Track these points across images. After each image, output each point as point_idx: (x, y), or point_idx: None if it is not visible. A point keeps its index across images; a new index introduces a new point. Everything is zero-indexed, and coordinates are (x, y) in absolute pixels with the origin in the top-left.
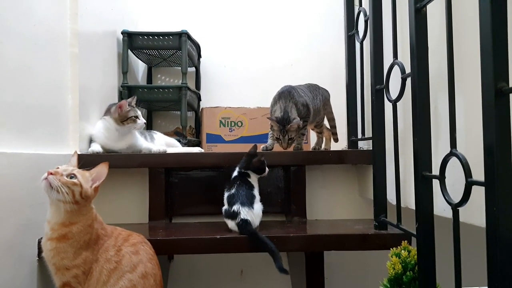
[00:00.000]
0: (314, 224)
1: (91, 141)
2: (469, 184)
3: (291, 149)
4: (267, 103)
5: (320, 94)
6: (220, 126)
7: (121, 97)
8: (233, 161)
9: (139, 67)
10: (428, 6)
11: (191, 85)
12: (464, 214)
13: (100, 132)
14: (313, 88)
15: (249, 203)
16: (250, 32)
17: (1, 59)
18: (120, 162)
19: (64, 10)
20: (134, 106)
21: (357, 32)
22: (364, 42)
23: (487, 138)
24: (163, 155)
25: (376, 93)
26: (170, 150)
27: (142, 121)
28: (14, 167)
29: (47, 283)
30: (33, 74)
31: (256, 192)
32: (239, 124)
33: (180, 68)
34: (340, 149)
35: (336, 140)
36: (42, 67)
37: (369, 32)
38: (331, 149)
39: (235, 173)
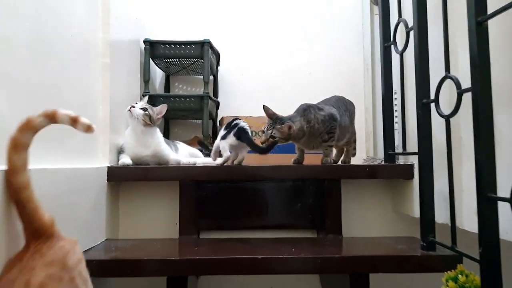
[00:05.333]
0: (352, 242)
1: (119, 152)
2: None
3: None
4: (286, 112)
5: (348, 110)
6: None
7: None
8: (266, 174)
9: (157, 75)
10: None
11: (210, 93)
12: None
13: (127, 138)
14: (341, 103)
15: None
16: (267, 40)
17: (43, 71)
18: (152, 175)
19: (97, 20)
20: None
21: (395, 43)
22: (404, 53)
23: None
24: (195, 168)
25: (423, 107)
26: (192, 160)
27: (134, 109)
28: (55, 183)
29: None
30: (69, 86)
31: None
32: (260, 133)
33: (198, 76)
34: (377, 163)
35: (354, 154)
36: (76, 79)
37: (414, 44)
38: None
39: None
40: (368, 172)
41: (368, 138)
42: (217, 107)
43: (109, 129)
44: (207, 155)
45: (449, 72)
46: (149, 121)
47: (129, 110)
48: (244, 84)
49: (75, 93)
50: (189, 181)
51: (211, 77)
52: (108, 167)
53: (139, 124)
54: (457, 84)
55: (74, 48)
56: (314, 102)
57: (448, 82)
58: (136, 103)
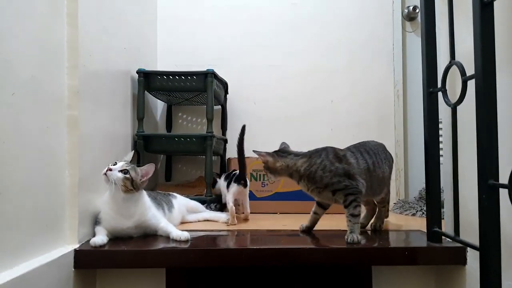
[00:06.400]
0: None
1: (95, 223)
2: None
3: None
4: (302, 146)
5: (387, 160)
6: (251, 180)
7: (135, 149)
8: (271, 260)
9: (158, 105)
10: None
11: (216, 125)
12: None
13: (105, 206)
14: (381, 149)
15: None
16: (282, 64)
17: None
18: (129, 261)
19: (60, 64)
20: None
21: (445, 90)
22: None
23: None
24: (185, 252)
25: (490, 191)
26: (192, 217)
27: (110, 173)
28: None
29: None
30: (12, 160)
31: None
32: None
33: (204, 106)
34: (410, 214)
35: (387, 216)
36: (28, 144)
37: (476, 101)
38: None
39: None
40: (407, 256)
41: (399, 176)
42: (225, 142)
43: (79, 199)
44: (213, 209)
45: None
46: (130, 187)
47: (105, 173)
48: (257, 115)
49: (25, 166)
50: (177, 267)
51: (219, 107)
52: (76, 250)
53: (118, 191)
54: None
55: (18, 107)
56: (337, 133)
57: None
58: (115, 163)
